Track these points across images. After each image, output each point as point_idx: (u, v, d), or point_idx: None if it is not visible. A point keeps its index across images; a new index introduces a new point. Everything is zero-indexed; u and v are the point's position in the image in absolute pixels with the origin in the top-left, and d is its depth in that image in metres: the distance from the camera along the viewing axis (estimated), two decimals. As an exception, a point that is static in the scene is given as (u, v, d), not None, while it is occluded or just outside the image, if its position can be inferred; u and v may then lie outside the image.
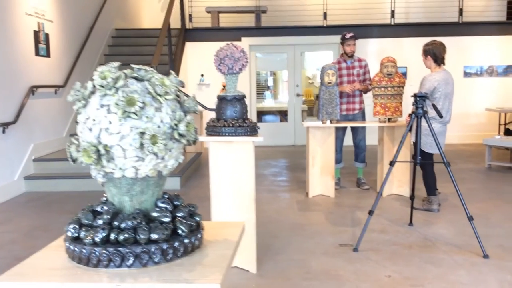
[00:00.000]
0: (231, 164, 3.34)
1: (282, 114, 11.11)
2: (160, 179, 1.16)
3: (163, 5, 10.89)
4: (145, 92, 1.05)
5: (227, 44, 3.38)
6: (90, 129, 1.05)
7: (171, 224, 1.13)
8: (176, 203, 1.21)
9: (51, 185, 6.17)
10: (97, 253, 1.05)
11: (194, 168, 7.50)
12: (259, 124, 10.86)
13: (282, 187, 6.23)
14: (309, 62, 12.78)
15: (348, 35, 5.86)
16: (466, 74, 10.09)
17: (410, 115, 4.02)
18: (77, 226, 1.10)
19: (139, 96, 1.02)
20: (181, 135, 1.08)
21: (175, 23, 9.88)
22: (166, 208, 1.15)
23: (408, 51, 9.55)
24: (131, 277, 1.01)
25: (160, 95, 1.05)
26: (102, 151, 1.02)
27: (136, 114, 1.01)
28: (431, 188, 4.91)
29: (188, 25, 10.20)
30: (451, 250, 3.78)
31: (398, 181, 5.61)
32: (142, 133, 1.02)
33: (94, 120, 1.05)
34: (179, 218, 1.14)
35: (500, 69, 10.11)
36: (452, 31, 9.71)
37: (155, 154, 1.05)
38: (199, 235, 1.17)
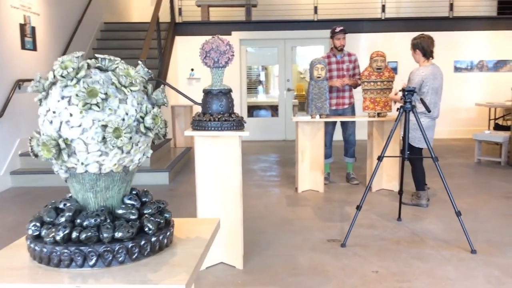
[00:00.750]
0: (217, 159, 3.30)
1: (273, 109, 11.07)
2: (127, 175, 1.11)
3: (153, -2, 10.79)
4: (109, 83, 1.00)
5: (213, 37, 3.32)
6: (51, 122, 1.00)
7: (138, 222, 1.08)
8: (144, 199, 1.16)
9: (38, 180, 6.09)
10: (58, 252, 1.00)
11: (184, 163, 7.45)
12: (249, 119, 10.80)
13: (271, 182, 6.19)
14: (301, 56, 12.73)
15: (337, 29, 5.81)
16: (457, 69, 10.09)
17: (398, 109, 3.99)
18: (38, 224, 1.05)
19: (101, 87, 0.97)
20: (147, 128, 1.03)
21: (164, 17, 9.79)
22: (133, 205, 1.10)
23: (399, 46, 9.52)
24: (93, 277, 0.97)
25: (124, 86, 1.00)
26: (63, 145, 0.97)
27: (98, 106, 0.96)
28: (420, 183, 4.89)
29: (178, 19, 10.12)
30: (439, 246, 3.77)
31: (388, 176, 5.59)
32: (104, 126, 0.97)
33: (54, 112, 1.00)
34: (146, 216, 1.09)
35: (490, 64, 10.13)
36: (443, 26, 9.71)
37: (120, 148, 1.00)
38: (168, 233, 1.13)
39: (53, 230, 1.01)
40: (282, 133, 10.39)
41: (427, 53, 4.70)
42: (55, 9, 7.57)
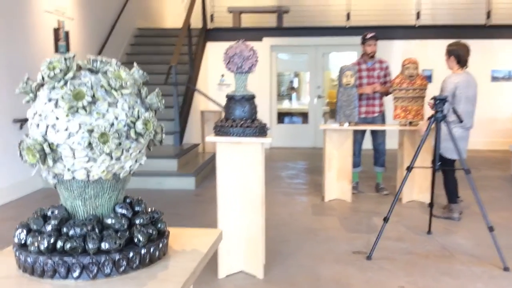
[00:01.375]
0: (239, 165, 3.24)
1: (304, 116, 10.95)
2: (118, 182, 1.05)
3: (187, 5, 10.85)
4: (98, 86, 0.95)
5: (237, 42, 3.27)
6: (37, 126, 0.96)
7: (128, 233, 1.02)
8: (137, 209, 1.10)
9: (67, 183, 6.17)
10: (41, 262, 0.95)
11: (211, 168, 7.41)
12: (279, 126, 10.73)
13: (298, 190, 6.09)
14: (334, 63, 12.58)
15: (369, 35, 5.69)
16: (494, 79, 9.75)
17: (429, 118, 3.84)
18: (24, 232, 1.01)
19: (88, 89, 0.91)
20: (138, 134, 0.97)
21: (197, 23, 9.85)
22: (123, 214, 1.05)
23: (433, 54, 9.25)
24: (77, 290, 0.92)
25: (115, 89, 0.94)
26: (47, 150, 0.92)
27: (85, 109, 0.91)
28: (452, 195, 4.70)
29: (210, 25, 10.15)
30: (469, 261, 3.59)
31: (419, 187, 5.40)
32: (90, 131, 0.92)
33: (40, 115, 0.95)
34: (137, 226, 1.03)
35: (530, 73, 9.75)
36: (480, 34, 9.40)
37: (108, 154, 0.95)
38: (160, 245, 1.06)
39: (39, 238, 0.96)
40: (312, 140, 10.26)
41: (462, 61, 4.53)
42: (89, 14, 7.70)
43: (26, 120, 5.81)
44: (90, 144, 0.92)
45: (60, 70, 0.93)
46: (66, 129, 0.92)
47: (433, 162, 3.94)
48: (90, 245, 0.95)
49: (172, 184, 6.10)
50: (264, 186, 3.38)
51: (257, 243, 3.26)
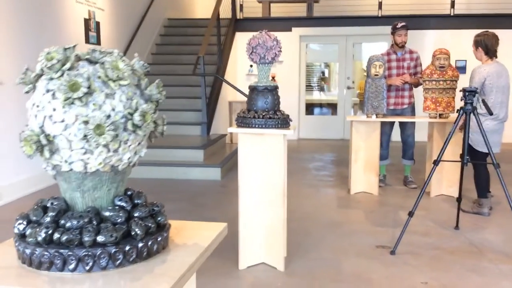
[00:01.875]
0: (261, 157, 3.22)
1: (333, 107, 10.83)
2: (117, 175, 1.04)
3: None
4: (95, 77, 0.94)
5: (260, 32, 3.24)
6: (35, 117, 0.96)
7: (126, 226, 1.01)
8: (136, 201, 1.09)
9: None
10: (38, 253, 0.95)
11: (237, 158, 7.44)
12: (308, 117, 10.64)
13: (324, 182, 6.03)
14: (365, 53, 12.37)
15: (399, 25, 5.55)
16: (532, 69, 9.39)
17: (458, 110, 3.72)
18: (24, 223, 1.01)
19: (84, 80, 0.91)
20: (136, 125, 0.96)
21: (226, 13, 9.83)
22: (122, 207, 1.04)
23: (468, 44, 8.94)
24: (73, 282, 0.91)
25: (112, 80, 0.93)
26: (44, 141, 0.92)
27: (81, 101, 0.90)
28: (482, 190, 4.57)
29: (239, 15, 10.11)
30: (497, 259, 3.48)
31: (448, 181, 5.27)
32: (86, 123, 0.91)
33: (38, 106, 0.95)
34: (135, 219, 1.03)
35: None
36: (518, 22, 9.07)
37: (105, 146, 0.94)
38: (159, 238, 1.05)
39: (37, 230, 0.97)
40: (341, 132, 10.15)
41: (490, 52, 4.38)
42: (120, 5, 7.78)
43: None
44: (85, 136, 0.91)
45: (58, 61, 0.93)
46: (63, 121, 0.92)
47: (462, 155, 3.83)
48: (86, 238, 0.95)
49: (198, 174, 6.14)
50: (286, 178, 3.36)
51: (278, 236, 3.24)
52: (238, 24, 9.89)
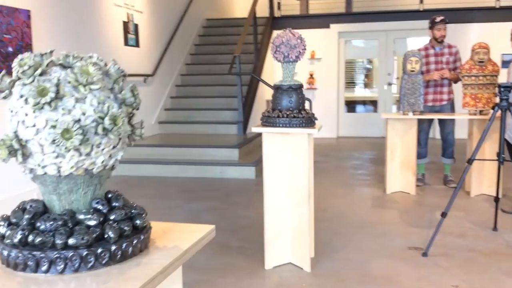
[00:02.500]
0: (285, 157, 3.19)
1: (374, 104, 10.63)
2: (93, 178, 1.06)
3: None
4: (66, 81, 0.95)
5: (284, 30, 3.21)
6: (11, 121, 0.99)
7: (100, 228, 1.02)
8: (114, 204, 1.10)
9: (136, 170, 6.43)
10: (14, 255, 0.98)
11: (274, 158, 7.44)
12: (347, 114, 10.47)
13: (360, 181, 5.93)
14: (406, 48, 12.05)
15: (438, 19, 5.38)
16: None
17: (493, 107, 3.57)
18: (5, 225, 1.05)
19: (52, 85, 0.92)
20: (106, 129, 0.97)
21: (264, 12, 9.84)
22: (98, 209, 1.05)
23: (516, 36, 8.60)
24: (46, 284, 0.93)
25: (82, 85, 0.95)
26: (16, 145, 0.95)
27: (50, 105, 0.92)
28: (524, 189, 4.36)
29: (277, 13, 10.08)
30: (537, 262, 3.31)
31: (489, 180, 5.05)
32: (54, 127, 0.92)
33: (12, 111, 0.98)
34: (110, 222, 1.04)
35: None
36: None
37: (77, 150, 0.95)
38: (135, 241, 1.06)
39: (15, 232, 1.00)
40: (381, 129, 9.91)
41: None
42: (158, 7, 7.93)
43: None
44: (54, 140, 0.93)
45: (29, 67, 0.95)
46: (34, 125, 0.94)
47: (499, 154, 3.66)
48: (57, 240, 0.97)
49: (233, 173, 6.17)
50: (318, 177, 3.32)
51: (304, 236, 3.21)
52: (276, 22, 9.86)
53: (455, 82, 5.42)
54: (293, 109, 3.17)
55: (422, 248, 3.59)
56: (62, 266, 0.96)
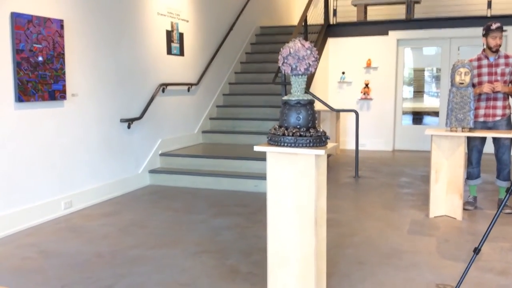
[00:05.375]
0: (291, 178, 2.90)
1: (436, 116, 9.94)
2: None
3: (315, 0, 10.54)
4: None
5: (293, 40, 2.94)
6: None
7: None
8: None
9: (173, 180, 6.36)
10: None
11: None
12: (404, 126, 9.82)
13: (403, 202, 5.45)
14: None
15: (493, 26, 4.84)
16: None
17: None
18: None
19: None
20: None
21: (319, 19, 9.53)
22: None
23: None
24: None
25: None
26: None
27: None
28: None
29: (332, 20, 9.72)
30: None
31: (550, 208, 4.46)
32: None
33: None
34: None
35: None
36: None
37: None
38: None
39: None
40: (442, 143, 9.25)
41: None
42: (206, 16, 7.85)
43: (133, 119, 6.12)
44: None
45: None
46: None
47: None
48: None
49: (268, 187, 5.90)
50: (324, 201, 3.01)
51: (309, 266, 2.90)
52: (331, 29, 9.50)
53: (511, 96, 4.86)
54: (301, 127, 2.88)
55: (453, 286, 3.15)
56: None
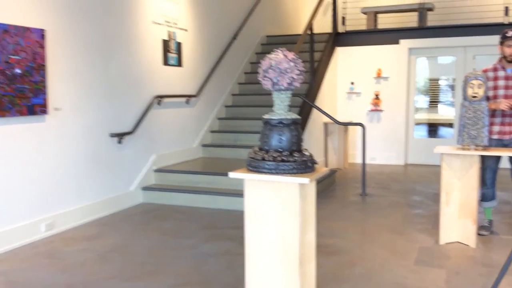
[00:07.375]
0: (272, 209, 2.53)
1: (450, 128, 9.46)
2: None
3: (325, 9, 10.18)
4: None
5: (276, 51, 2.57)
6: None
7: None
8: None
9: (167, 198, 6.01)
10: None
11: (325, 185, 6.72)
12: (418, 139, 9.33)
13: (412, 225, 5.01)
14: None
15: (509, 33, 4.42)
16: None
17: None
18: None
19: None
20: None
21: (328, 27, 9.17)
22: None
23: None
24: None
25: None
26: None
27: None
28: None
29: (341, 29, 9.34)
30: None
31: None
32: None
33: None
34: None
35: None
36: None
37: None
38: None
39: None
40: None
41: None
42: (206, 25, 7.53)
43: (124, 134, 5.80)
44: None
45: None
46: None
47: None
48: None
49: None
50: (313, 235, 2.62)
51: (293, 313, 2.51)
52: (339, 38, 9.12)
53: (532, 110, 4.41)
54: (283, 150, 2.51)
55: (463, 334, 2.73)
56: None
